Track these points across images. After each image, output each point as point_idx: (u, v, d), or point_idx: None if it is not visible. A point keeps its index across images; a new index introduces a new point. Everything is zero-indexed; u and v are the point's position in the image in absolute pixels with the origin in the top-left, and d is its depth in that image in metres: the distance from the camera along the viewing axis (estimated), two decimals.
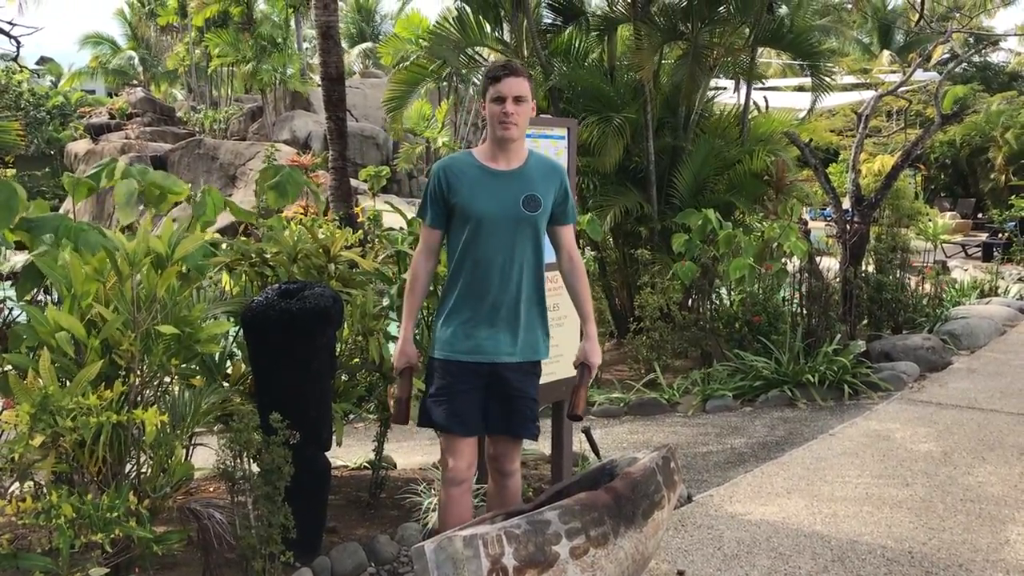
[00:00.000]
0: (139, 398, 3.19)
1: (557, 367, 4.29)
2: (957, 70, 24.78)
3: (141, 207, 4.36)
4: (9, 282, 3.94)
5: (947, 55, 14.62)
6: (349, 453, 5.13)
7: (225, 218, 4.97)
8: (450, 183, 3.11)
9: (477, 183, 3.11)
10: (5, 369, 3.31)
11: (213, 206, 4.38)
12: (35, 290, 3.75)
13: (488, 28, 9.18)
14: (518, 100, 3.07)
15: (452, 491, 3.16)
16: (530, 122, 4.23)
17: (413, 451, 5.98)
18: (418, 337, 4.52)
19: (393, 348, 3.36)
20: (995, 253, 16.05)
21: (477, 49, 9.53)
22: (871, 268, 9.02)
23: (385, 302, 4.67)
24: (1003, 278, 12.37)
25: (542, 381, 4.16)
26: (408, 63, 10.77)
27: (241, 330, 3.72)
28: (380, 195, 19.18)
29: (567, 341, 4.35)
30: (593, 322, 3.31)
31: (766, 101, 11.14)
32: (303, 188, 5.09)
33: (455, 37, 8.94)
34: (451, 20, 9.01)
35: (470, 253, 3.11)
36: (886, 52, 28.66)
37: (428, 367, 3.27)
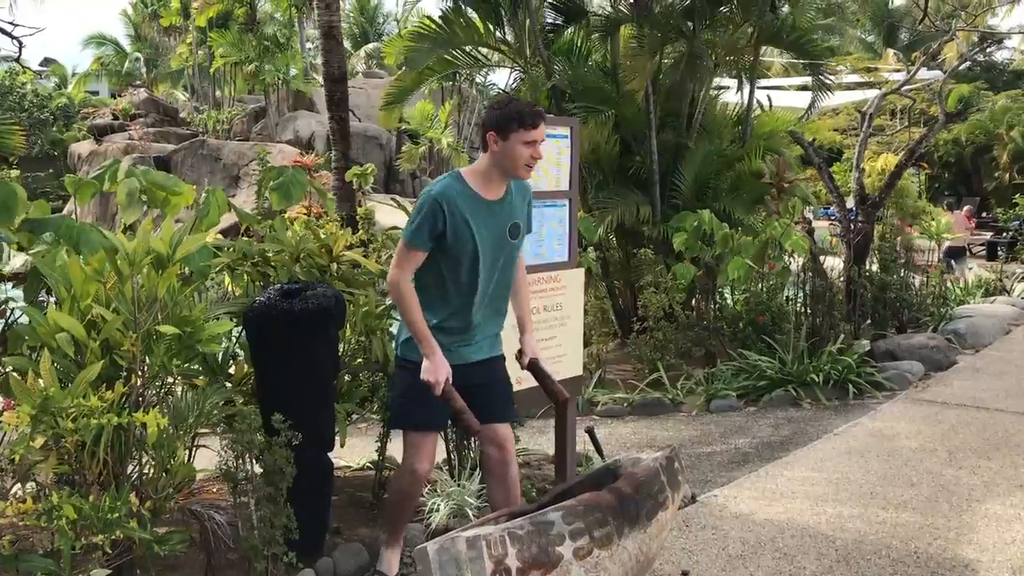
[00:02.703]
0: (140, 399, 3.18)
1: (560, 367, 4.28)
2: (962, 68, 24.71)
3: (145, 208, 4.35)
4: (11, 284, 3.93)
5: (961, 58, 14.57)
6: (352, 453, 5.11)
7: (228, 218, 4.96)
8: (451, 213, 3.13)
9: (474, 214, 3.17)
10: (6, 370, 3.30)
11: (217, 207, 4.37)
12: (40, 291, 3.74)
13: (483, 28, 9.10)
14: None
15: (418, 488, 3.42)
16: None
17: None
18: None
19: (425, 368, 3.15)
20: (999, 252, 16.02)
21: (477, 48, 9.48)
22: (875, 267, 9.00)
23: (388, 302, 4.65)
24: (1008, 277, 12.33)
25: None
26: (407, 70, 10.68)
27: (243, 331, 3.71)
28: (383, 194, 19.12)
29: (570, 341, 4.34)
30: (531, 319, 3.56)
31: (769, 100, 11.09)
32: (308, 189, 5.08)
33: (440, 39, 8.86)
34: (435, 21, 8.93)
35: (456, 277, 3.21)
36: (890, 51, 28.60)
37: (397, 368, 3.40)
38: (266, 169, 5.12)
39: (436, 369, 3.13)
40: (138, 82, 37.69)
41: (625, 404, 6.97)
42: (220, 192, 4.55)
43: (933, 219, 11.49)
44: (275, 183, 4.97)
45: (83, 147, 28.88)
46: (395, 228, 6.56)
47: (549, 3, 9.36)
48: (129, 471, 3.21)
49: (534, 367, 3.42)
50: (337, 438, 3.84)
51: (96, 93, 39.52)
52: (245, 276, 4.30)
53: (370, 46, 37.19)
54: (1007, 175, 22.64)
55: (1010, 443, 5.40)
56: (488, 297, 3.29)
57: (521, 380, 4.02)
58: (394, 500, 3.48)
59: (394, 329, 4.56)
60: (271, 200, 4.96)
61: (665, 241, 8.34)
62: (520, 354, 3.45)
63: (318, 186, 5.83)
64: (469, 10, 9.03)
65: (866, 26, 28.07)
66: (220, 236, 4.79)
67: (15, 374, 3.14)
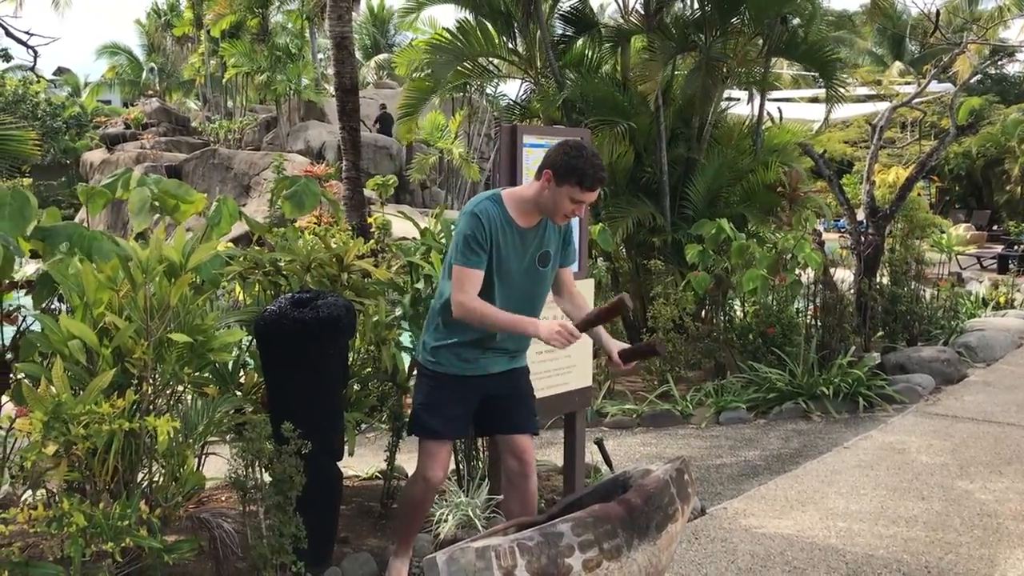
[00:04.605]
0: (151, 407, 3.19)
1: (570, 377, 4.28)
2: (973, 81, 24.66)
3: (156, 217, 4.38)
4: (24, 291, 3.96)
5: (972, 71, 14.49)
6: (361, 463, 5.12)
7: (239, 227, 4.98)
8: (492, 235, 3.12)
9: (509, 241, 3.16)
10: (19, 377, 3.32)
11: (228, 216, 4.39)
12: (50, 298, 3.76)
13: (496, 39, 9.13)
14: None
15: (430, 496, 3.42)
16: (543, 131, 4.25)
17: None
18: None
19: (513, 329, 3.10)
20: (1011, 265, 15.93)
21: (490, 59, 9.52)
22: (886, 280, 8.97)
23: (398, 312, 4.66)
24: (1019, 290, 12.27)
25: (554, 392, 4.19)
26: (420, 74, 10.71)
27: (254, 339, 3.72)
28: (393, 204, 19.17)
29: (580, 352, 4.33)
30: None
31: (780, 112, 11.08)
32: (320, 199, 5.09)
33: (457, 49, 8.89)
34: (450, 32, 8.97)
35: (483, 297, 3.17)
36: (898, 63, 28.56)
37: (418, 375, 3.42)
38: (279, 179, 5.13)
39: (547, 328, 3.02)
40: (150, 91, 37.90)
41: (634, 415, 6.95)
42: (231, 201, 4.57)
43: (943, 232, 11.41)
44: (288, 192, 4.99)
45: (95, 156, 29.03)
46: (404, 239, 6.57)
47: (560, 14, 9.39)
48: (139, 479, 3.22)
49: (625, 353, 3.22)
50: (346, 447, 3.84)
51: (108, 102, 39.74)
52: (256, 285, 4.31)
53: (381, 57, 37.37)
54: (1018, 188, 22.55)
55: (1022, 458, 5.36)
56: None
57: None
58: (405, 508, 3.48)
59: (403, 339, 4.58)
60: (283, 209, 4.97)
61: (676, 250, 8.33)
62: (608, 361, 3.28)
63: (330, 196, 5.84)
64: (471, 20, 9.07)
65: (875, 38, 28.05)
66: (231, 245, 4.81)
67: (27, 381, 3.16)
